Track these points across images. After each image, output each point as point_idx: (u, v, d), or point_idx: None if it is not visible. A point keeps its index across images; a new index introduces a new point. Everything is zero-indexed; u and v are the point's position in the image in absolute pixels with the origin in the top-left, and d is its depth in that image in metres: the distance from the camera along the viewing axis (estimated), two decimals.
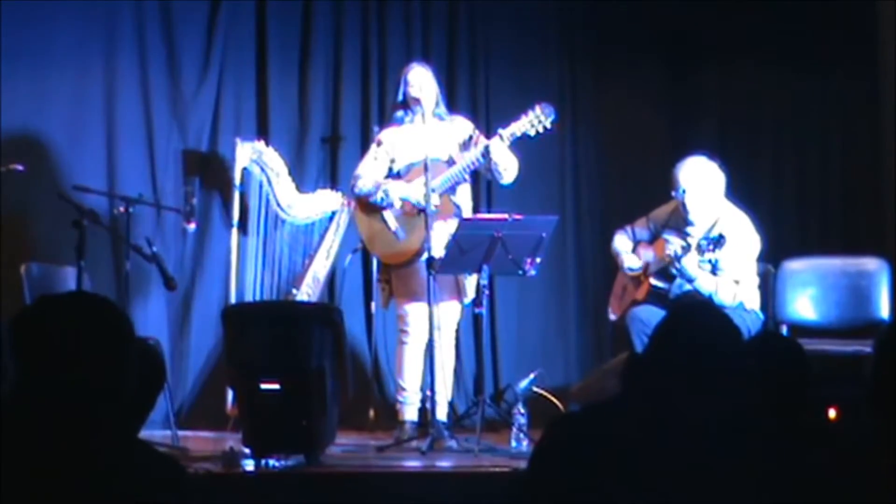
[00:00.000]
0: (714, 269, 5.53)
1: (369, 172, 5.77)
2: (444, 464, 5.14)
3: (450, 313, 5.75)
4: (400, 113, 5.79)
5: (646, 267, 5.78)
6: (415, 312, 5.69)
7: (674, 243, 5.58)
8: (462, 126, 5.87)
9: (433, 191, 5.55)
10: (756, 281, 5.66)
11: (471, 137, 5.81)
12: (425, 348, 5.69)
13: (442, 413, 5.67)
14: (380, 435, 5.86)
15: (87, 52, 6.59)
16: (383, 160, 5.79)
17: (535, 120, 5.62)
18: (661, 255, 5.69)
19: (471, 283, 5.78)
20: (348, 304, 6.47)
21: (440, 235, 5.55)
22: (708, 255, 5.40)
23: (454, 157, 5.75)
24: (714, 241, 5.35)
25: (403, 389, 5.77)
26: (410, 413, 5.77)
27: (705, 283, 5.51)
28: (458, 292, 5.78)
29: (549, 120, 5.64)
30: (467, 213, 5.80)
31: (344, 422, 5.56)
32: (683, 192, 5.55)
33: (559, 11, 7.15)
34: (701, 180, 5.56)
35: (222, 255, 6.45)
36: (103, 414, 2.17)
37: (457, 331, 5.88)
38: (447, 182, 5.69)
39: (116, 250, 6.27)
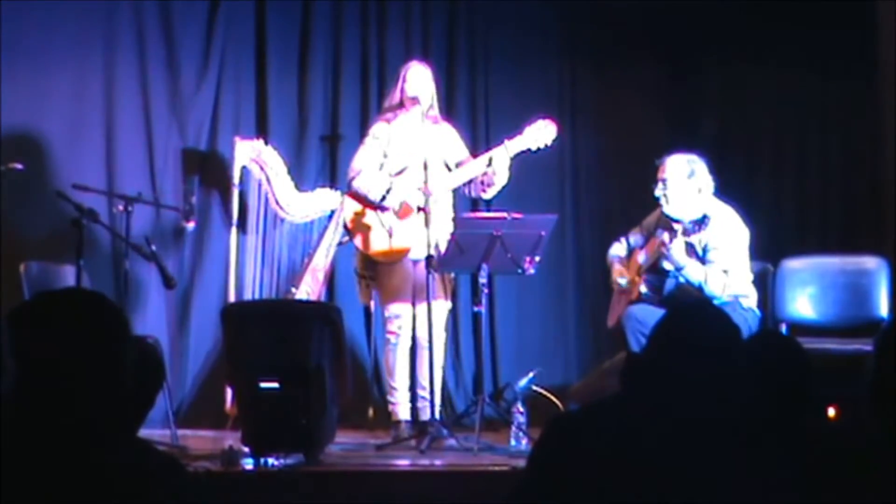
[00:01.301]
0: (703, 261, 5.53)
1: (368, 168, 5.75)
2: (444, 462, 5.14)
3: (439, 312, 5.74)
4: (396, 112, 5.78)
5: (639, 267, 5.79)
6: (400, 312, 5.70)
7: (661, 234, 5.59)
8: (451, 134, 5.89)
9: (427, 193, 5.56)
10: (749, 275, 5.65)
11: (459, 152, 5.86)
12: (410, 347, 5.74)
13: (437, 412, 5.68)
14: (379, 434, 5.86)
15: (86, 51, 6.59)
16: (378, 154, 5.77)
17: (537, 134, 5.68)
18: (652, 251, 5.70)
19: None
20: (347, 302, 6.46)
21: (433, 236, 5.54)
22: (694, 238, 5.42)
23: (447, 160, 5.78)
24: (698, 222, 5.37)
25: (395, 389, 5.78)
26: (405, 412, 5.78)
27: (694, 273, 5.51)
28: (445, 291, 5.78)
29: (551, 137, 5.71)
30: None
31: (343, 420, 5.57)
32: (659, 183, 5.58)
33: (559, 11, 7.15)
34: (673, 174, 5.59)
35: (221, 254, 6.44)
36: (102, 413, 2.17)
37: (446, 329, 5.88)
38: (452, 184, 5.72)
39: (116, 249, 6.27)
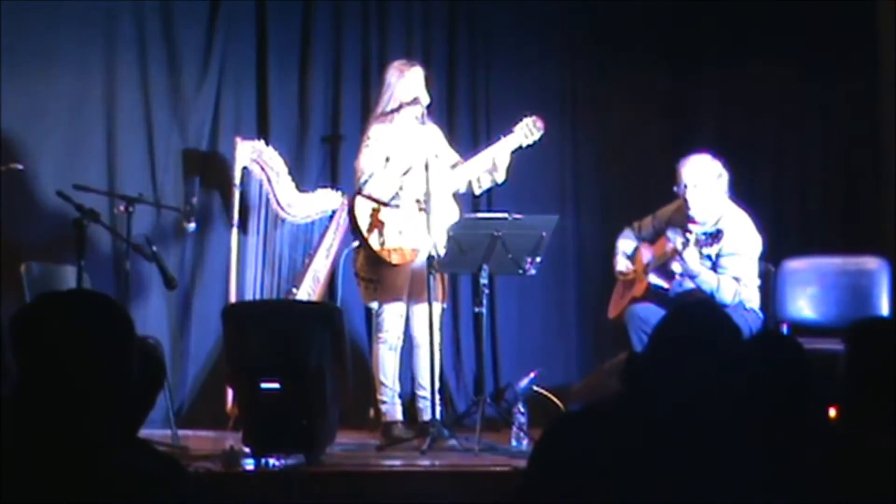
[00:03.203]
0: (715, 268, 5.55)
1: (378, 169, 5.73)
2: (445, 463, 5.14)
3: (435, 312, 5.73)
4: (395, 113, 5.78)
5: (645, 266, 5.80)
6: (392, 312, 5.71)
7: (674, 239, 5.60)
8: (440, 137, 5.91)
9: (428, 192, 5.55)
10: (757, 281, 5.67)
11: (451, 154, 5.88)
12: (401, 348, 5.76)
13: (437, 412, 5.68)
14: (380, 434, 5.85)
15: (87, 51, 6.59)
16: (381, 156, 5.77)
17: (527, 131, 5.74)
18: (660, 252, 5.70)
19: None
20: (349, 302, 6.46)
21: (435, 237, 5.55)
22: (707, 250, 5.44)
23: (443, 159, 5.81)
24: (712, 235, 5.38)
25: (391, 389, 5.77)
26: (398, 412, 5.78)
27: (707, 279, 5.52)
28: (443, 292, 5.79)
29: (540, 133, 5.76)
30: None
31: (344, 421, 5.56)
32: (685, 187, 5.58)
33: (560, 12, 7.14)
34: (702, 176, 5.59)
35: (222, 255, 6.44)
36: (104, 413, 2.17)
37: (441, 329, 5.90)
38: (454, 184, 5.73)
39: (117, 250, 6.27)
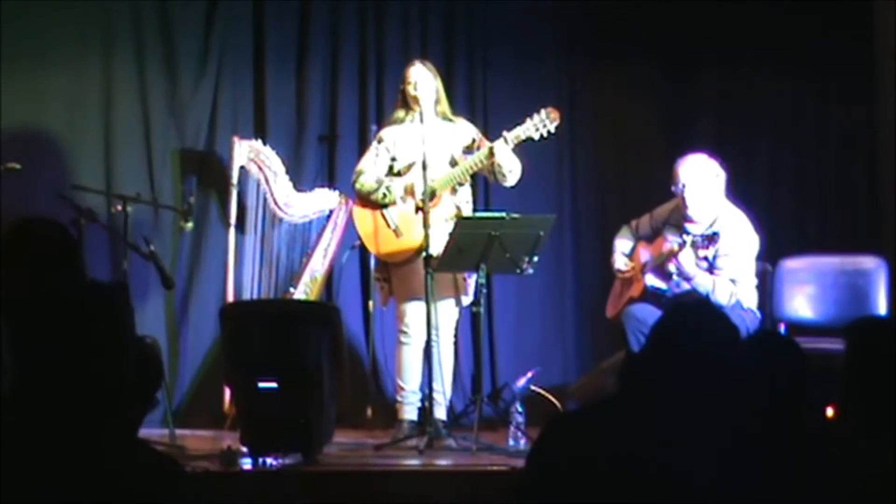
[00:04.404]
0: (711, 268, 5.55)
1: (371, 169, 5.75)
2: (442, 462, 5.15)
3: (448, 312, 5.74)
4: (401, 113, 5.78)
5: (643, 266, 5.80)
6: (413, 311, 5.68)
7: (670, 241, 5.61)
8: (465, 130, 5.85)
9: (429, 190, 5.54)
10: (754, 281, 5.67)
11: (473, 141, 5.80)
12: (424, 347, 5.70)
13: (441, 412, 5.67)
14: (377, 433, 5.86)
15: (84, 51, 6.58)
16: (384, 158, 5.77)
17: (539, 124, 5.64)
18: (658, 253, 5.71)
19: (472, 283, 5.77)
20: (346, 302, 6.47)
21: (440, 234, 5.54)
22: (703, 252, 5.44)
23: (456, 157, 5.76)
24: (708, 237, 5.38)
25: (403, 389, 5.76)
26: (410, 412, 5.76)
27: (703, 282, 5.52)
28: (457, 291, 5.77)
29: (554, 125, 5.65)
30: (467, 213, 5.78)
31: (341, 420, 5.56)
32: (683, 186, 5.58)
33: (557, 10, 7.14)
34: (700, 176, 5.59)
35: (220, 254, 6.44)
36: (101, 412, 2.17)
37: (455, 330, 5.87)
38: (449, 182, 5.69)
39: (114, 249, 6.26)
